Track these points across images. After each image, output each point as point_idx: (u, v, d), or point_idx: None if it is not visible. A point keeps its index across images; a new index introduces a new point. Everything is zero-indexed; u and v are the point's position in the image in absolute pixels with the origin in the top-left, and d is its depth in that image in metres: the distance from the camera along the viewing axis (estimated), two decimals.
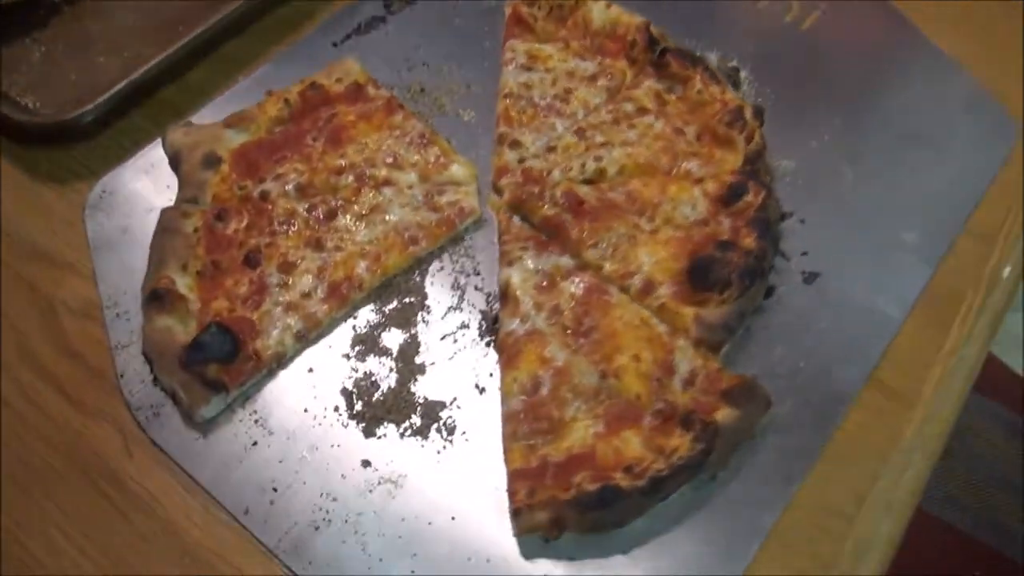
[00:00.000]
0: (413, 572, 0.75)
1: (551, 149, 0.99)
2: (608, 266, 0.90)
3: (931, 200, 0.98)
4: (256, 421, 0.83)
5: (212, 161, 0.96)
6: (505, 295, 0.88)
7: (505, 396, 0.82)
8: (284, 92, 1.02)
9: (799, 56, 1.13)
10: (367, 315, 0.90)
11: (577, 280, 0.88)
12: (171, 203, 0.96)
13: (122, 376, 0.85)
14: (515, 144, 1.00)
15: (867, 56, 1.14)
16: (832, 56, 1.14)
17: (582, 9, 1.09)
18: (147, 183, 0.99)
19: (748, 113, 0.98)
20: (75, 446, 0.82)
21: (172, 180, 0.99)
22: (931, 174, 1.00)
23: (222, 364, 0.82)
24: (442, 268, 0.93)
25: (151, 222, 0.94)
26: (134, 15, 1.12)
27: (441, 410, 0.83)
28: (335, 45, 1.13)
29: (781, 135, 1.02)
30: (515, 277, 0.88)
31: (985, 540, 1.66)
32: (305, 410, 0.84)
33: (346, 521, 0.77)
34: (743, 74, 1.09)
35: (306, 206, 0.94)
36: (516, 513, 0.75)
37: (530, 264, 0.89)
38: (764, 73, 1.09)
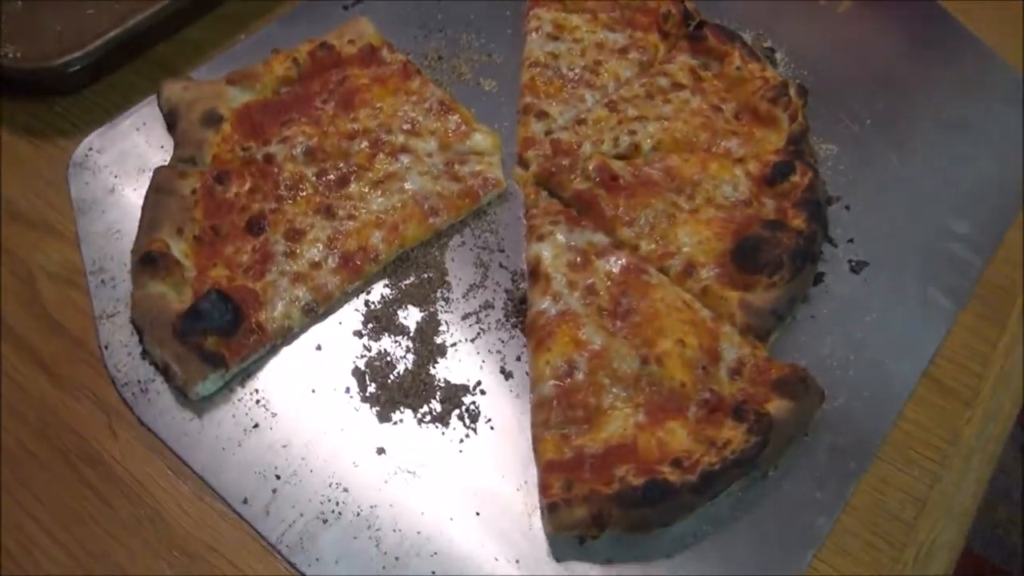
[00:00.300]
0: (433, 573, 0.67)
1: (581, 122, 0.92)
2: (645, 245, 0.83)
3: (980, 190, 0.92)
4: (258, 401, 0.75)
5: (213, 119, 0.88)
6: (535, 272, 0.81)
7: (535, 381, 0.75)
8: (292, 51, 0.95)
9: (835, 39, 1.07)
10: (381, 290, 0.82)
11: (613, 259, 0.81)
12: (166, 163, 0.87)
13: (106, 348, 0.77)
14: (542, 115, 0.93)
15: (903, 41, 1.09)
16: (869, 40, 1.08)
17: None
18: (139, 141, 0.91)
19: (792, 90, 0.92)
20: (53, 425, 0.73)
21: (167, 140, 0.91)
22: (977, 163, 0.95)
23: (222, 336, 0.74)
24: (463, 243, 0.86)
25: (142, 183, 0.85)
26: None
27: (463, 395, 0.76)
28: (345, 8, 1.06)
29: (821, 118, 0.96)
30: (545, 253, 0.81)
31: (993, 560, 1.62)
32: (312, 391, 0.75)
33: (358, 514, 0.69)
34: (779, 55, 1.03)
35: (315, 171, 0.86)
36: (551, 508, 0.67)
37: (562, 239, 0.82)
38: (800, 55, 1.03)
